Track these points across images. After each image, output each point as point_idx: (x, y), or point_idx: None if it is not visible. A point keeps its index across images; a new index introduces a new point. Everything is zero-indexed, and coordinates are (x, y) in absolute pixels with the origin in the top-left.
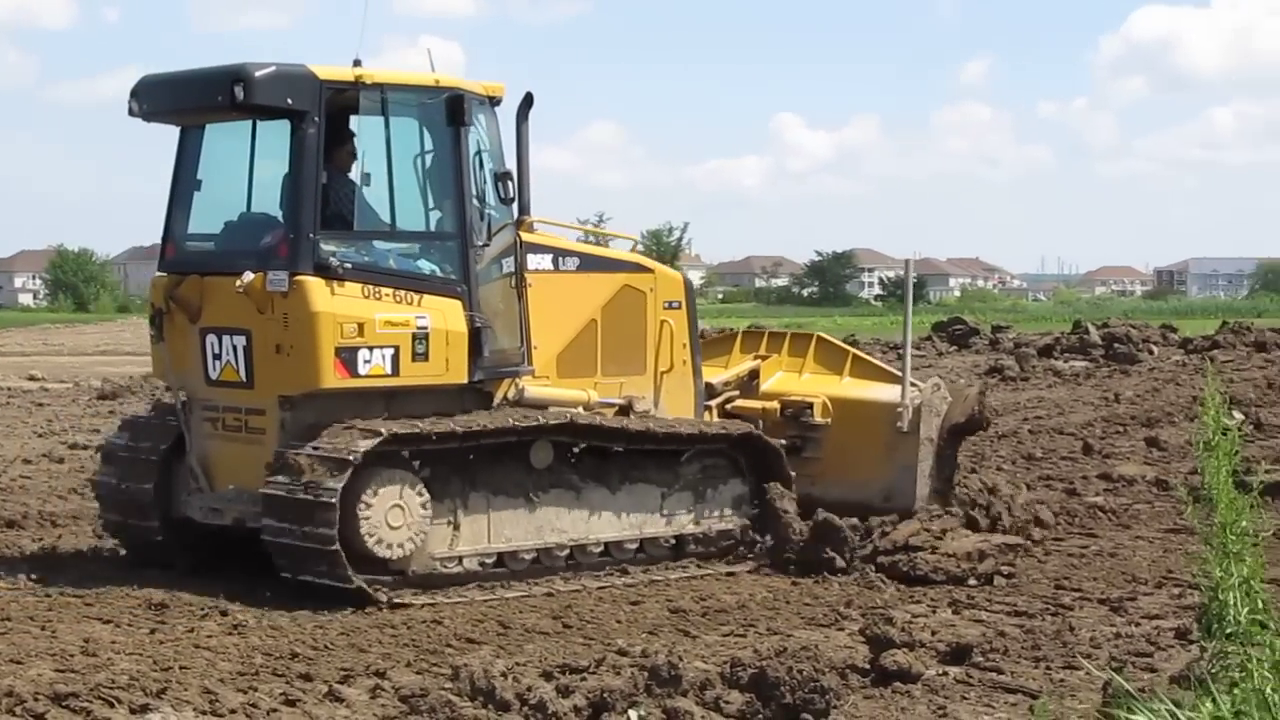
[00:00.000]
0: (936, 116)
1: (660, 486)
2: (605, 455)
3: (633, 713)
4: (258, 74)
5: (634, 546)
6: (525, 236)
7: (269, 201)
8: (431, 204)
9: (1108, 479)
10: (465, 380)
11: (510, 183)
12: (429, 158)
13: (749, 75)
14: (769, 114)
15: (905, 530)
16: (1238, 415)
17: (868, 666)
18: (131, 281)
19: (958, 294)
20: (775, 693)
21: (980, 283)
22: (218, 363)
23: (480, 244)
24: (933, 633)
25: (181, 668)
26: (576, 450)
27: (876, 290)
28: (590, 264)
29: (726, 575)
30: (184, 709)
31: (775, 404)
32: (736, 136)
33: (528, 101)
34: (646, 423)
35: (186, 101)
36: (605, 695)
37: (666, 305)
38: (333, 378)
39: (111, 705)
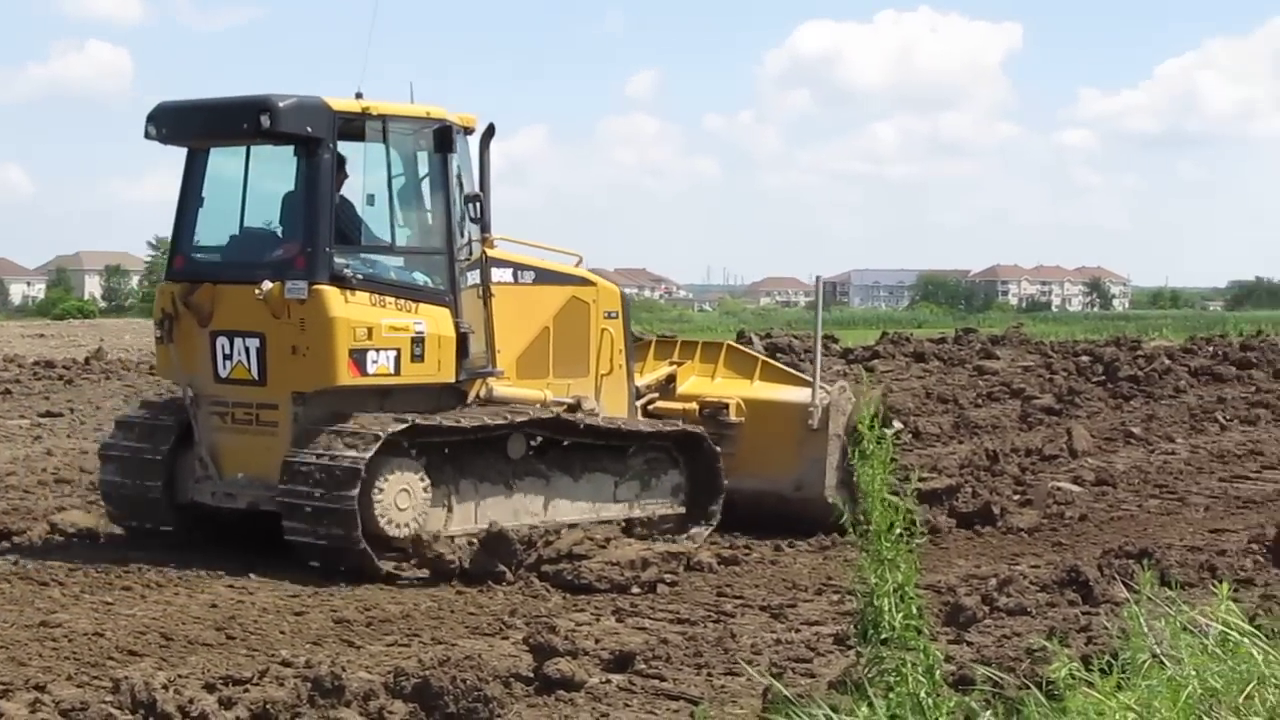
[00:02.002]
0: (604, 128)
1: (614, 476)
2: (569, 448)
3: None
4: (282, 104)
5: (589, 527)
6: (490, 252)
7: (265, 218)
8: (424, 222)
9: None
10: (453, 380)
11: (479, 204)
12: (421, 181)
13: (419, 84)
14: None
15: (569, 539)
16: (896, 424)
17: (531, 675)
18: None
19: None
20: (439, 702)
21: (647, 293)
22: (228, 362)
23: (463, 259)
24: (596, 640)
25: None
26: (534, 443)
27: None
28: (544, 277)
29: (392, 585)
30: None
31: (694, 405)
32: None
33: (490, 132)
34: (638, 423)
35: (212, 128)
36: (268, 707)
37: (606, 315)
38: (347, 376)
39: None
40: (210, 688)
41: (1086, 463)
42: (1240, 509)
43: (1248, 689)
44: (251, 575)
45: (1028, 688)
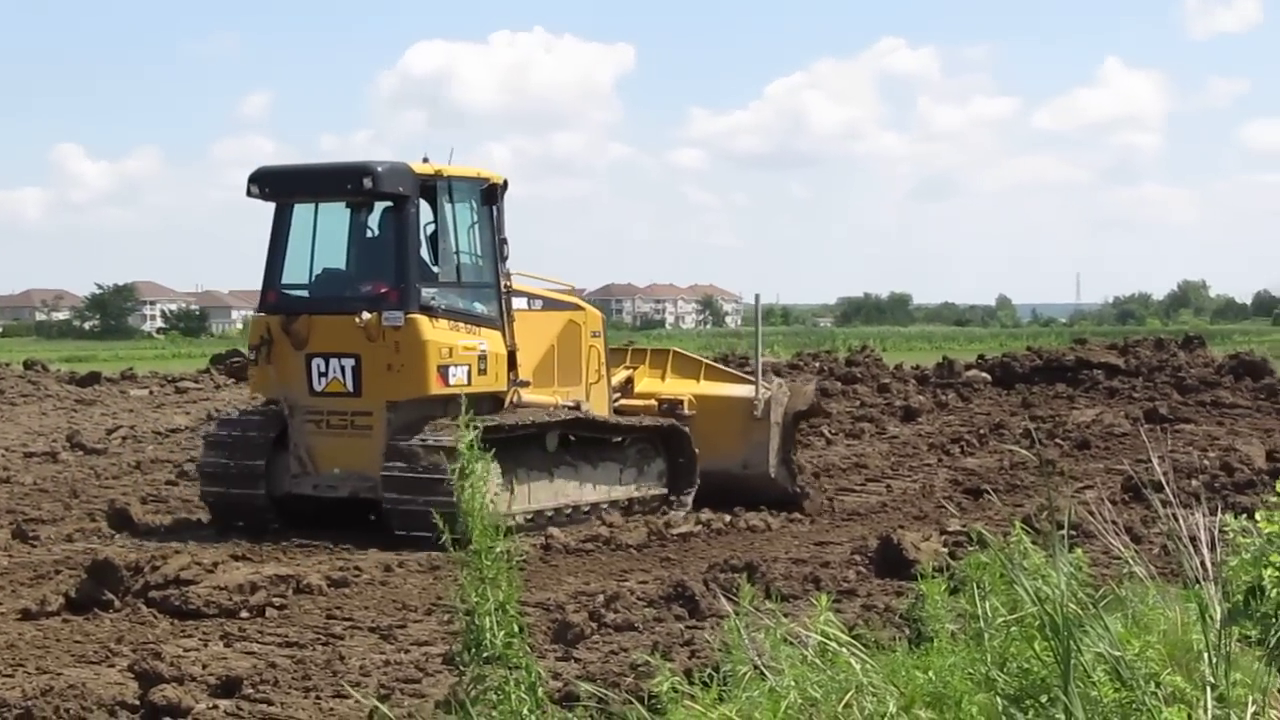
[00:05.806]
0: (218, 148)
1: (619, 464)
2: (586, 442)
3: None
4: (380, 169)
5: (605, 506)
6: (510, 284)
7: (336, 260)
8: (478, 262)
9: None
10: (505, 389)
11: (505, 245)
12: (473, 228)
13: (27, 104)
14: (49, 144)
15: (176, 564)
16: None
17: (137, 703)
18: None
19: (240, 325)
20: None
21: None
22: (323, 378)
23: (505, 291)
24: (204, 666)
25: None
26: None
27: (159, 323)
28: (549, 305)
29: None
30: None
31: (652, 402)
32: (15, 167)
33: (504, 186)
34: (652, 420)
35: (318, 189)
36: None
37: (593, 335)
38: (436, 386)
39: None
40: None
41: None
42: (845, 521)
43: (846, 697)
44: None
45: (631, 703)
